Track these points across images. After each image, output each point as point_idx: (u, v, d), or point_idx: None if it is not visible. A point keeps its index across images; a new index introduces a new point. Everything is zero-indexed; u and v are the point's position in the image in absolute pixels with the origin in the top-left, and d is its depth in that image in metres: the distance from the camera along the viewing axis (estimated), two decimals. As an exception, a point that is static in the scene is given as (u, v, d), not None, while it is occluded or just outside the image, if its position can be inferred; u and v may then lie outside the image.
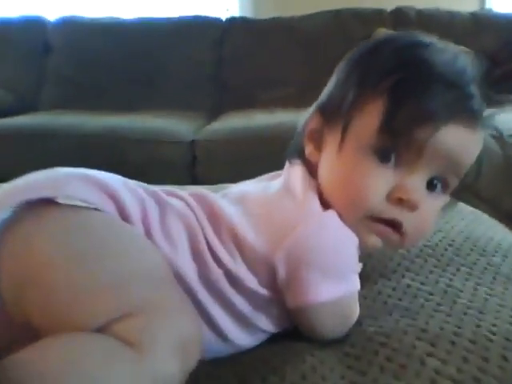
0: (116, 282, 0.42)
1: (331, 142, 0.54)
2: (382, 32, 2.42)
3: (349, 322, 0.53)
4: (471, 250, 0.71)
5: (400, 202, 0.49)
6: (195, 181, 1.88)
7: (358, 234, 0.51)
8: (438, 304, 0.56)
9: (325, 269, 0.49)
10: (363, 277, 0.60)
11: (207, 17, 2.64)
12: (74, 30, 2.62)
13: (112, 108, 2.34)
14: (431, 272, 0.65)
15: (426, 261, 0.68)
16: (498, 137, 1.47)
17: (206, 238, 0.50)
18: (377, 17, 2.52)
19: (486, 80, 0.51)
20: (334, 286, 0.50)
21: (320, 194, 0.53)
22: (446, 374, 0.44)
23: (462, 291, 0.60)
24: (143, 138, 1.97)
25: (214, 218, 0.52)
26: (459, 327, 0.51)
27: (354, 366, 0.46)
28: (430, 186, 0.51)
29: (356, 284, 0.52)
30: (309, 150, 0.56)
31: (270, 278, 0.50)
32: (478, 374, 0.44)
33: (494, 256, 0.69)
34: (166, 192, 0.54)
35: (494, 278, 0.63)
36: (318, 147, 0.56)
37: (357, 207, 0.50)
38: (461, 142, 0.49)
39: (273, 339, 0.53)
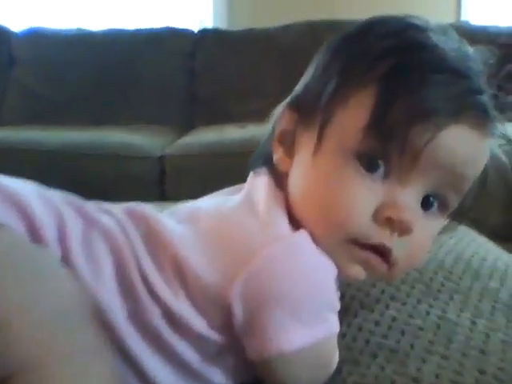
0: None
1: (305, 143, 0.43)
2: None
3: (327, 372, 0.43)
4: (463, 272, 0.62)
5: (389, 222, 0.39)
6: (164, 197, 1.80)
7: (336, 262, 0.41)
8: (431, 342, 0.47)
9: (295, 307, 0.38)
10: (341, 308, 0.50)
11: (178, 28, 2.55)
12: (40, 41, 2.50)
13: (78, 122, 2.25)
14: (420, 301, 0.56)
15: (413, 287, 0.58)
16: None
17: (138, 265, 0.39)
18: (351, 27, 2.47)
19: (495, 77, 0.42)
20: (308, 330, 0.39)
21: (289, 209, 0.43)
22: None
23: (457, 325, 0.50)
24: (108, 153, 1.87)
25: (152, 239, 0.41)
26: (459, 373, 0.41)
27: None
28: (425, 203, 0.41)
29: (335, 325, 0.41)
30: (278, 155, 0.46)
31: (224, 319, 0.39)
32: None
33: (490, 280, 0.60)
34: (96, 208, 0.44)
35: (494, 308, 0.54)
36: (289, 152, 0.45)
37: (336, 228, 0.40)
38: (466, 147, 0.40)
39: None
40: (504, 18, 2.61)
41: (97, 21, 2.75)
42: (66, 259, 0.38)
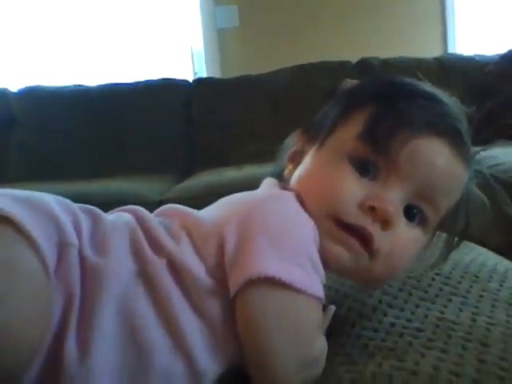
0: None
1: (309, 152, 0.52)
2: (349, 82, 2.42)
3: (307, 354, 0.42)
4: (462, 277, 0.61)
5: (372, 211, 0.45)
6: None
7: (321, 239, 0.46)
8: (430, 340, 0.46)
9: (277, 239, 0.43)
10: (338, 319, 0.51)
11: (174, 79, 2.61)
12: (38, 99, 2.55)
13: (77, 177, 2.24)
14: (418, 306, 0.55)
15: (410, 294, 0.57)
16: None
17: (145, 228, 0.45)
18: (342, 69, 2.52)
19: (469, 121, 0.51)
20: (286, 264, 0.42)
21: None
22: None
23: (456, 323, 0.49)
24: (107, 202, 1.85)
25: (162, 213, 0.50)
26: (458, 364, 0.40)
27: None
28: (408, 214, 0.48)
29: (316, 287, 0.43)
30: (288, 169, 0.55)
31: (217, 259, 0.43)
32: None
33: (489, 282, 0.59)
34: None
35: (494, 306, 0.53)
36: (297, 164, 0.54)
37: (323, 202, 0.47)
38: (442, 160, 0.47)
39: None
40: (492, 47, 2.67)
41: (93, 76, 2.82)
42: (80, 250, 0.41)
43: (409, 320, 0.51)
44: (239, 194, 0.51)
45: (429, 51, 2.68)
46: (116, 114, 2.52)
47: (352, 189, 0.46)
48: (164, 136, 2.48)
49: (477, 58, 2.46)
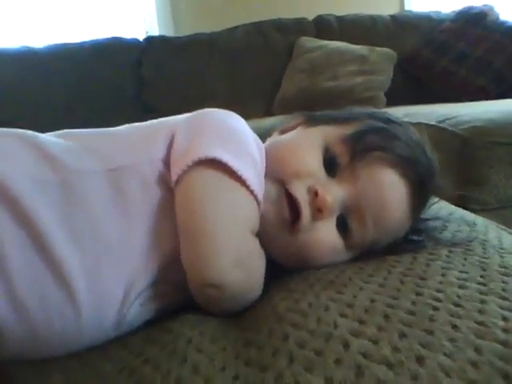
0: None
1: (299, 129, 0.57)
2: (306, 40, 2.38)
3: (240, 235, 0.43)
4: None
5: (314, 198, 0.47)
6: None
7: (264, 191, 0.47)
8: (370, 276, 0.44)
9: (226, 139, 0.46)
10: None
11: (123, 38, 2.50)
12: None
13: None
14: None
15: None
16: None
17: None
18: (298, 26, 2.48)
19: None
20: (231, 155, 0.43)
21: None
22: (377, 356, 0.32)
23: (398, 261, 0.48)
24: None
25: None
26: (395, 297, 0.39)
27: (254, 360, 0.33)
28: (340, 224, 0.50)
29: (257, 185, 0.45)
30: (273, 135, 0.58)
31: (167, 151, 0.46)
32: (420, 351, 0.32)
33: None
34: None
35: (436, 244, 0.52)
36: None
37: (285, 166, 0.49)
38: (394, 196, 0.49)
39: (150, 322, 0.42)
40: (447, 4, 2.67)
41: (40, 37, 2.69)
42: None
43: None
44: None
45: (385, 9, 2.66)
46: (65, 75, 2.41)
47: (312, 169, 0.49)
48: (114, 97, 2.40)
49: (432, 14, 2.45)
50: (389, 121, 0.54)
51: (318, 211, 0.47)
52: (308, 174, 0.49)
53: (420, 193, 0.51)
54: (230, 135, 0.47)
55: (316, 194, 0.47)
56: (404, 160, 0.50)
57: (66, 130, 0.52)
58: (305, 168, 0.49)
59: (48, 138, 0.48)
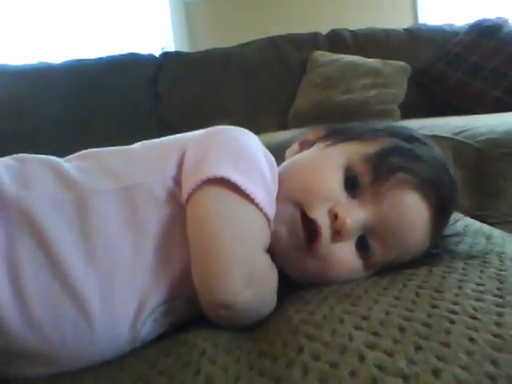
0: None
1: (319, 144, 0.55)
2: (320, 54, 2.39)
3: (252, 254, 0.43)
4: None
5: (334, 220, 0.47)
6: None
7: (277, 213, 0.47)
8: (385, 289, 0.44)
9: (237, 159, 0.45)
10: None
11: (139, 54, 2.54)
12: (1, 77, 2.47)
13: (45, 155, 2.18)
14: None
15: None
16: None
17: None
18: (312, 41, 2.49)
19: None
20: (242, 175, 0.43)
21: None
22: (393, 368, 0.31)
23: (413, 274, 0.48)
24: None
25: None
26: (410, 310, 0.38)
27: (268, 372, 0.33)
28: (359, 245, 0.49)
29: (267, 205, 0.45)
30: (292, 148, 0.58)
31: (177, 169, 0.46)
32: (436, 364, 0.31)
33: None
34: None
35: (453, 257, 0.52)
36: (301, 151, 0.57)
37: (304, 188, 0.49)
38: (417, 215, 0.49)
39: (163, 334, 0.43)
40: (460, 17, 2.67)
41: (57, 54, 2.74)
42: None
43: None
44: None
45: (399, 22, 2.66)
46: (81, 90, 2.45)
47: (332, 191, 0.48)
48: (129, 112, 2.42)
49: (446, 27, 2.45)
50: (412, 138, 0.53)
51: (337, 233, 0.47)
52: (328, 196, 0.48)
53: (443, 214, 0.51)
54: (241, 153, 0.47)
55: (336, 216, 0.47)
56: (428, 182, 0.49)
57: (84, 151, 0.53)
58: (325, 190, 0.48)
59: (66, 160, 0.50)
